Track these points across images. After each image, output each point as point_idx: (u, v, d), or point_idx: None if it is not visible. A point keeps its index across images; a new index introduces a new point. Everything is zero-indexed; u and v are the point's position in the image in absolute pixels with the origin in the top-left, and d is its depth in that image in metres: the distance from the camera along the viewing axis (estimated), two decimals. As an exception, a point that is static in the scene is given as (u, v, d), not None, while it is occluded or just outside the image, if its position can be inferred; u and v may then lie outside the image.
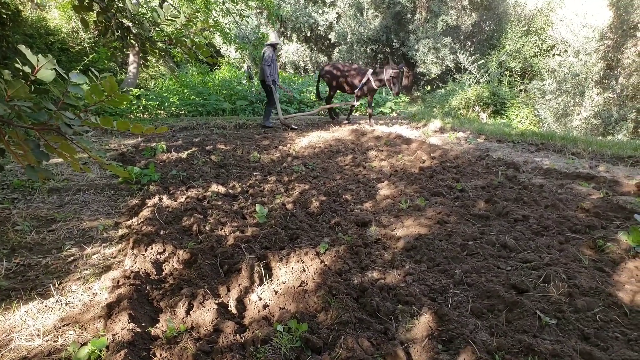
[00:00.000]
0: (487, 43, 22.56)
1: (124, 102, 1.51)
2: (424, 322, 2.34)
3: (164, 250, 3.28)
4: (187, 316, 2.44)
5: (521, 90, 19.66)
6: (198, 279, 2.85)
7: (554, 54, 18.51)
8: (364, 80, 10.48)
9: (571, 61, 15.66)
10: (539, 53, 20.60)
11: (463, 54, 18.76)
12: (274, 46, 9.97)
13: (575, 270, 2.90)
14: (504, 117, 16.96)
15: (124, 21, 2.71)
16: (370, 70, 10.48)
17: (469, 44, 21.35)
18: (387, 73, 10.12)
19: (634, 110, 13.77)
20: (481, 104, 17.06)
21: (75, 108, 1.52)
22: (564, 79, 15.60)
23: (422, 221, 3.95)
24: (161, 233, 3.60)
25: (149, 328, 2.30)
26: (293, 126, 10.38)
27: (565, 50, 16.49)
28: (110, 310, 2.36)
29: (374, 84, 10.41)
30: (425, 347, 2.17)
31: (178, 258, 3.15)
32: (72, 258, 3.23)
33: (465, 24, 21.11)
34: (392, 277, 2.90)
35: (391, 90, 10.18)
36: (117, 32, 2.69)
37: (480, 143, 8.34)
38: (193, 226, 3.77)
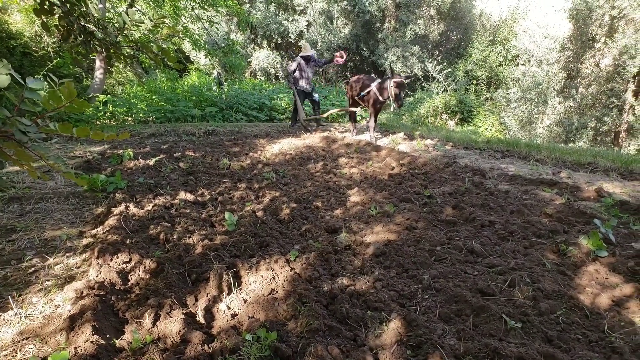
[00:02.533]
0: (454, 52, 23.05)
1: (84, 109, 1.47)
2: (393, 328, 2.35)
3: (130, 259, 3.20)
4: (153, 327, 2.39)
5: (487, 99, 20.15)
6: (165, 288, 2.79)
7: (518, 64, 19.04)
8: (366, 90, 9.63)
9: (534, 71, 16.15)
10: (503, 62, 21.17)
11: (431, 62, 19.09)
12: (303, 57, 10.68)
13: (539, 274, 2.97)
14: (471, 124, 17.32)
15: (87, 26, 2.65)
16: (378, 81, 9.52)
17: (437, 53, 21.77)
18: (388, 83, 9.11)
19: (593, 119, 14.27)
20: (449, 111, 17.38)
21: (33, 114, 1.47)
22: (528, 88, 16.07)
23: (391, 227, 3.98)
24: (127, 242, 3.51)
25: (114, 340, 2.24)
26: (308, 128, 11.18)
27: (529, 60, 16.99)
28: (72, 323, 2.29)
29: (378, 95, 9.30)
30: (394, 353, 2.18)
31: (144, 267, 3.08)
32: (33, 269, 3.12)
33: (433, 33, 21.52)
34: (361, 284, 2.90)
35: (393, 102, 9.00)
36: (80, 36, 2.63)
37: (448, 150, 8.47)
38: (160, 235, 3.70)
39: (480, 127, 17.07)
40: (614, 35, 13.64)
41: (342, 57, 10.56)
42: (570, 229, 3.90)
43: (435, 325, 2.40)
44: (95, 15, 2.76)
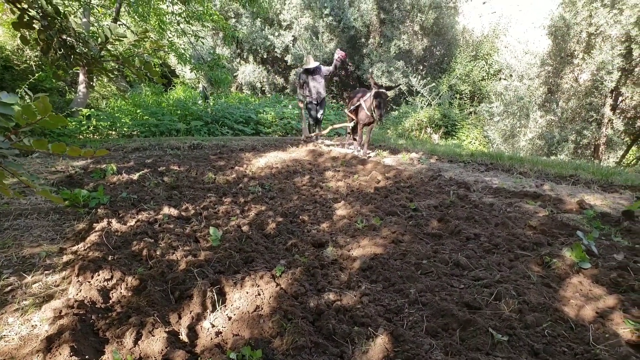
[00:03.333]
0: (437, 67, 23.35)
1: (60, 123, 1.43)
2: (379, 344, 2.33)
3: (112, 276, 3.13)
4: (135, 346, 2.33)
5: (471, 113, 20.40)
6: (147, 306, 2.74)
7: (500, 78, 19.37)
8: (356, 104, 9.33)
9: (516, 85, 16.42)
10: (486, 77, 21.49)
11: (415, 77, 19.31)
12: (306, 70, 10.54)
13: (524, 286, 2.97)
14: (455, 138, 17.50)
15: (67, 39, 2.62)
16: (369, 93, 8.97)
17: (421, 67, 22.03)
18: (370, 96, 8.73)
19: (573, 132, 14.51)
20: (433, 125, 17.55)
21: (6, 130, 1.43)
22: (510, 102, 16.32)
23: (377, 241, 3.96)
24: (109, 259, 3.45)
25: (94, 360, 2.18)
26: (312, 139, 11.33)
27: (511, 75, 17.28)
28: (50, 344, 2.22)
29: (366, 109, 8.91)
30: (381, 369, 2.15)
31: (127, 285, 3.02)
32: (9, 288, 3.04)
33: (417, 48, 21.81)
34: (348, 299, 2.88)
35: (372, 115, 8.65)
36: (60, 50, 2.59)
37: (433, 163, 8.53)
38: (143, 251, 3.63)
39: (464, 140, 17.26)
40: (592, 51, 13.95)
41: (340, 55, 10.39)
42: (553, 241, 3.93)
43: (422, 340, 2.38)
44: (77, 29, 2.73)
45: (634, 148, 15.68)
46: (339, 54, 10.32)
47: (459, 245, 3.92)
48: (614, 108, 14.34)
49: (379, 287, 3.14)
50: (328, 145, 10.97)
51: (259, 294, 2.83)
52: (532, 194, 5.65)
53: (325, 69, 10.72)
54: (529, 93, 15.67)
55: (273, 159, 8.54)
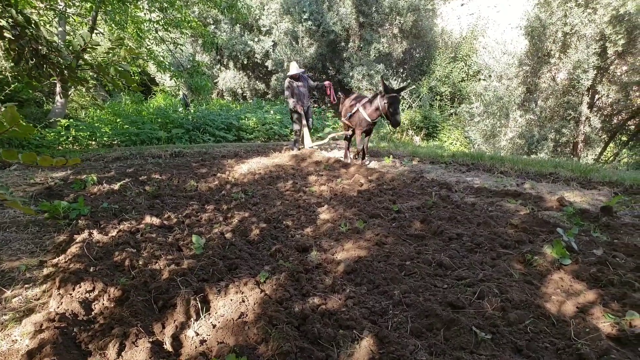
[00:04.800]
0: (417, 69, 23.54)
1: (30, 133, 1.40)
2: (365, 347, 2.33)
3: (94, 288, 3.09)
4: (118, 357, 2.30)
5: (451, 114, 20.61)
6: (130, 317, 2.70)
7: (479, 79, 19.62)
8: (353, 111, 8.54)
9: (495, 85, 16.65)
10: (466, 78, 21.74)
11: (396, 80, 19.44)
12: (292, 76, 10.12)
13: (507, 284, 3.00)
14: (436, 139, 17.67)
15: (39, 49, 2.58)
16: (366, 98, 8.39)
17: (401, 70, 22.19)
18: (379, 101, 7.89)
19: (552, 131, 14.76)
20: (414, 127, 17.69)
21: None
22: (490, 102, 16.53)
23: (361, 243, 3.97)
24: (91, 270, 3.39)
25: (76, 374, 2.15)
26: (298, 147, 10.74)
27: (490, 76, 17.51)
28: (31, 359, 2.18)
29: (365, 115, 8.18)
30: (367, 371, 2.15)
31: (109, 296, 2.98)
32: (-11, 303, 2.98)
33: (397, 51, 21.97)
34: (333, 302, 2.88)
35: (387, 121, 7.95)
36: (32, 60, 2.55)
37: (415, 165, 8.59)
38: (125, 261, 3.59)
39: (445, 141, 17.43)
40: (568, 50, 14.22)
41: (327, 84, 10.27)
42: (535, 238, 3.98)
43: (407, 341, 2.39)
44: (50, 38, 2.69)
45: (611, 145, 15.99)
46: (327, 84, 10.24)
47: (441, 245, 3.95)
48: (591, 106, 14.62)
49: (363, 289, 3.14)
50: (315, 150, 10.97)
51: (244, 301, 2.82)
52: (513, 193, 5.72)
53: (311, 82, 10.47)
54: (508, 93, 15.90)
55: (256, 165, 8.53)
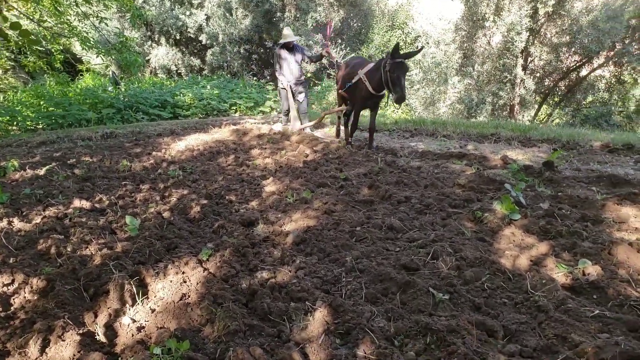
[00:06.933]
0: (356, 39, 23.43)
1: None
2: (319, 318, 2.19)
3: (13, 280, 2.76)
4: (41, 355, 2.04)
5: (392, 82, 20.66)
6: (57, 308, 2.42)
7: (417, 46, 19.71)
8: (355, 79, 6.76)
9: (433, 51, 16.79)
10: (404, 46, 21.80)
11: (334, 49, 19.23)
12: (284, 45, 8.33)
13: (460, 243, 2.94)
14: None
15: None
16: (370, 65, 6.65)
17: (340, 40, 21.98)
18: (382, 68, 6.15)
19: (490, 94, 15.12)
20: (356, 97, 17.60)
21: None
22: (429, 69, 16.69)
23: (309, 213, 3.82)
24: (10, 261, 3.05)
25: (-9, 379, 1.87)
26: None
27: (427, 42, 17.62)
28: None
29: (368, 86, 6.47)
30: (322, 344, 2.01)
31: (31, 287, 2.66)
32: None
33: (334, 20, 21.68)
34: (283, 275, 2.71)
35: (390, 93, 6.23)
36: None
37: (359, 134, 8.49)
38: (51, 249, 3.26)
39: (387, 110, 17.48)
40: (501, 13, 14.47)
41: (331, 54, 8.23)
42: (482, 196, 3.97)
43: (363, 308, 2.27)
44: None
45: (544, 106, 16.61)
46: (327, 49, 8.22)
47: (391, 209, 3.87)
48: (524, 68, 15.06)
49: (314, 259, 3.00)
50: (253, 123, 10.62)
51: (185, 281, 2.61)
52: (457, 154, 5.73)
53: (304, 50, 8.70)
54: (447, 58, 16.10)
55: (194, 141, 8.13)
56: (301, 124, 8.65)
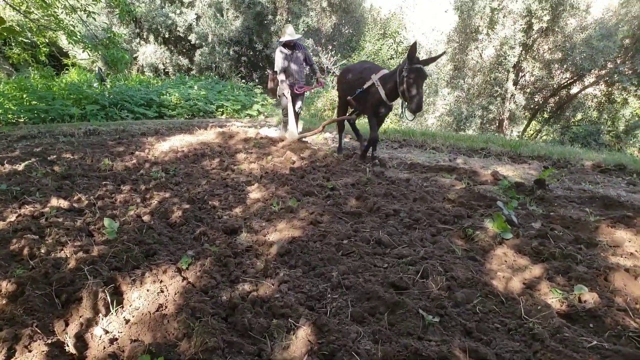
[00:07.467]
0: (347, 46, 23.44)
1: None
2: (302, 337, 2.08)
3: (-20, 283, 2.60)
4: (4, 367, 1.89)
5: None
6: (25, 315, 2.27)
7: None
8: (365, 85, 6.22)
9: (424, 62, 16.83)
10: (395, 55, 21.85)
11: (325, 55, 19.18)
12: (286, 44, 7.76)
13: (450, 261, 2.86)
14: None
15: None
16: (382, 72, 6.19)
17: (330, 47, 21.95)
18: (398, 74, 5.68)
19: (480, 108, 15.20)
20: (345, 105, 17.53)
21: None
22: (419, 80, 16.71)
23: (295, 223, 3.70)
24: (-22, 262, 2.88)
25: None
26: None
27: (419, 53, 17.67)
28: None
29: (382, 94, 5.98)
30: (305, 366, 1.90)
31: (0, 291, 2.50)
32: None
33: (326, 26, 21.71)
34: (265, 288, 2.59)
35: (405, 102, 5.79)
36: None
37: (347, 142, 8.41)
38: (24, 249, 3.10)
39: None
40: (495, 26, 14.57)
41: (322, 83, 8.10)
42: (473, 213, 3.90)
43: (349, 328, 2.16)
44: None
45: (533, 122, 16.75)
46: (321, 82, 8.08)
47: (379, 222, 3.78)
48: (515, 83, 15.16)
49: (298, 272, 2.89)
50: (239, 127, 10.49)
51: (162, 291, 2.47)
52: (447, 168, 5.68)
53: (309, 54, 8.21)
54: (437, 70, 16.15)
55: (179, 142, 7.96)
56: (312, 132, 8.12)
